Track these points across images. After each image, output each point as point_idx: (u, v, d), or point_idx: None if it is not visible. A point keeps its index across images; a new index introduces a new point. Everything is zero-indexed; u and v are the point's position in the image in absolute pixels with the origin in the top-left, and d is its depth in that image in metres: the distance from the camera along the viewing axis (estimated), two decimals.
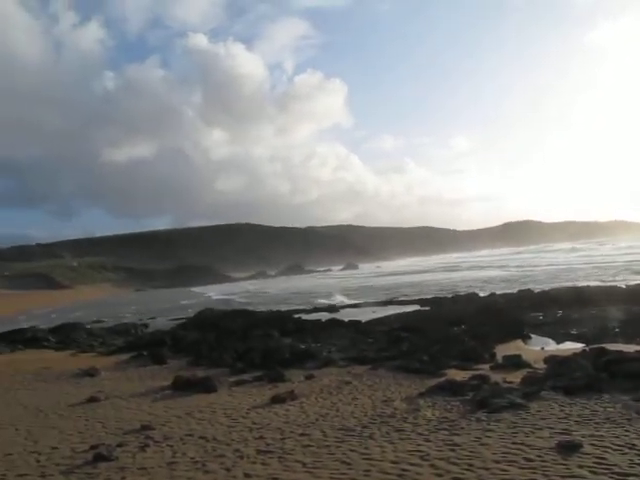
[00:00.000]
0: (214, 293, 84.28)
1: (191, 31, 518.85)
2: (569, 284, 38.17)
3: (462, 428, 8.53)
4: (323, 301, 46.83)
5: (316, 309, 39.37)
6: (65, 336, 31.22)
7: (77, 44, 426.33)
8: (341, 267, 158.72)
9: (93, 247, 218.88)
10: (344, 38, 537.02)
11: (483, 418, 8.98)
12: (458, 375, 12.89)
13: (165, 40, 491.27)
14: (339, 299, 48.14)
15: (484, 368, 14.04)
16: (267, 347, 18.31)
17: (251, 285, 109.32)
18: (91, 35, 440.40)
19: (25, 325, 38.21)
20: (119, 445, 8.79)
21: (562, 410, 9.14)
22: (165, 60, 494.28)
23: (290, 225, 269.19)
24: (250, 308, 38.48)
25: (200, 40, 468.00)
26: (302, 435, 8.81)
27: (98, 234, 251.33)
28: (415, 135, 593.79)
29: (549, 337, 20.12)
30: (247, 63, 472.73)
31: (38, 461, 8.38)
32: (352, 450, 7.83)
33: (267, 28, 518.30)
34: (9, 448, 9.17)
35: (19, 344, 28.84)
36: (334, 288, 66.26)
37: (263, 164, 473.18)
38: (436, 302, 35.23)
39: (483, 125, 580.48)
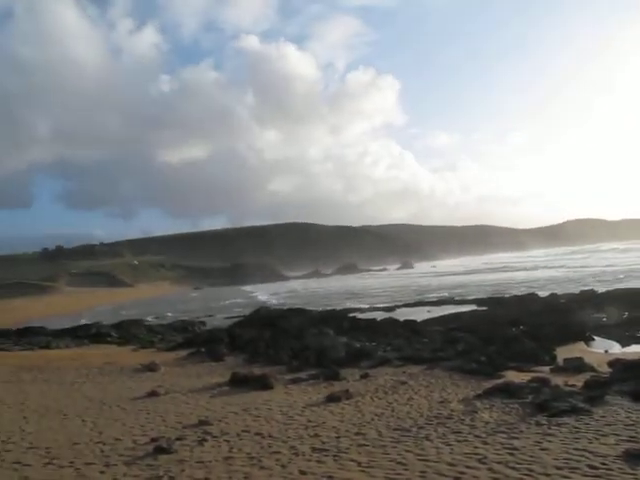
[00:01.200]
0: (267, 292, 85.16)
1: (244, 33, 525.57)
2: (634, 285, 36.64)
3: (521, 432, 8.32)
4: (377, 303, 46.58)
5: (371, 308, 39.29)
6: (126, 332, 32.25)
7: (134, 49, 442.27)
8: (397, 266, 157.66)
9: (152, 246, 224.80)
10: (396, 34, 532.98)
11: (543, 422, 8.72)
12: (516, 377, 12.61)
13: (218, 43, 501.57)
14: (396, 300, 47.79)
15: (544, 370, 13.68)
16: (322, 346, 18.38)
17: (305, 284, 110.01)
18: (147, 40, 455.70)
19: (90, 321, 39.63)
20: (178, 439, 9.01)
21: (629, 416, 8.74)
22: (218, 62, 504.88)
23: (344, 224, 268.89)
24: (305, 307, 38.64)
25: (252, 41, 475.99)
26: (357, 434, 8.79)
27: (156, 234, 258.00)
28: (470, 131, 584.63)
29: (613, 340, 19.40)
30: (299, 63, 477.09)
31: (102, 451, 8.69)
32: (408, 451, 7.77)
33: (319, 27, 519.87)
34: (76, 438, 9.55)
35: (84, 339, 30.03)
36: (398, 288, 65.86)
37: (316, 163, 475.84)
38: (493, 302, 34.56)
39: (541, 120, 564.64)
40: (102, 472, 7.69)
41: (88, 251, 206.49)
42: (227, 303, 64.74)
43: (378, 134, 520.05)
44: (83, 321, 40.29)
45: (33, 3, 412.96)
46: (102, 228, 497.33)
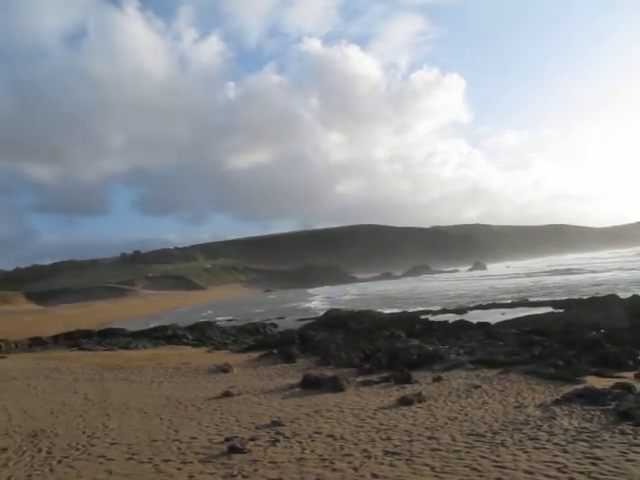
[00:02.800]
0: (336, 294, 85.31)
1: (307, 36, 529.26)
2: None
3: (604, 440, 7.93)
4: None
5: (444, 310, 38.70)
6: (201, 334, 33.17)
7: (199, 58, 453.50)
8: (468, 267, 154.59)
9: (224, 250, 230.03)
10: (461, 32, 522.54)
11: (628, 431, 8.27)
12: (598, 383, 12.03)
13: (281, 47, 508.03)
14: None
15: (628, 376, 13.00)
16: (394, 348, 18.24)
17: (376, 286, 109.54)
18: (212, 48, 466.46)
19: (166, 323, 40.96)
20: (251, 439, 9.15)
21: None
22: (282, 66, 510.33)
23: (413, 225, 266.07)
24: (376, 309, 38.48)
25: (315, 44, 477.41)
26: (430, 438, 8.66)
27: (226, 238, 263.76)
28: (540, 128, 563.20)
29: None
30: (362, 64, 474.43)
31: (179, 449, 8.95)
32: (483, 457, 7.57)
33: (382, 27, 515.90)
34: (155, 435, 9.89)
35: (161, 340, 31.14)
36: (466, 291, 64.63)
37: (383, 165, 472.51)
38: (571, 304, 33.23)
39: (614, 117, 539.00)
40: (179, 469, 7.92)
41: (163, 255, 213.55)
42: (297, 305, 65.40)
43: (445, 133, 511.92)
44: (159, 323, 41.67)
45: (104, 21, 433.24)
46: (175, 233, 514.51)
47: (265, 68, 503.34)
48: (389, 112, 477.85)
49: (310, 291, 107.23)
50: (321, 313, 41.20)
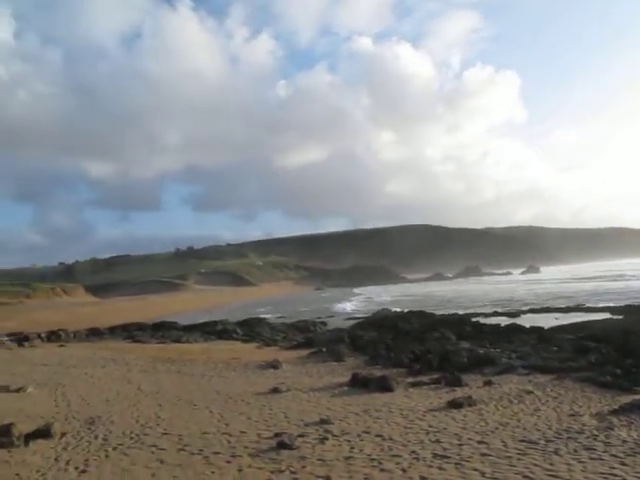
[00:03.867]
0: (386, 294, 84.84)
1: (358, 34, 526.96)
2: None
3: None
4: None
5: (495, 313, 37.98)
6: (251, 330, 33.56)
7: (251, 57, 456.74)
8: (522, 270, 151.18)
9: (275, 247, 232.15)
10: (517, 28, 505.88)
11: None
12: None
13: (333, 46, 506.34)
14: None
15: None
16: (444, 350, 18.02)
17: (426, 287, 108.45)
18: (263, 47, 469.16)
19: (217, 318, 41.66)
20: (300, 435, 9.21)
21: None
22: (333, 65, 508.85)
23: (466, 226, 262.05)
24: (425, 310, 38.07)
25: (366, 42, 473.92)
26: (480, 443, 8.50)
27: (277, 235, 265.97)
28: (597, 128, 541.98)
29: None
30: (414, 62, 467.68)
31: (229, 442, 9.09)
32: (535, 464, 7.38)
33: (435, 24, 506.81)
34: (205, 428, 10.08)
35: (211, 335, 31.69)
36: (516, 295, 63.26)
37: (435, 164, 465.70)
38: (631, 310, 32.01)
39: None
40: (228, 462, 8.05)
41: (215, 252, 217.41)
42: (347, 304, 65.38)
43: (499, 132, 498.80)
44: (210, 318, 42.39)
45: (159, 22, 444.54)
46: (227, 230, 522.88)
47: (316, 67, 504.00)
48: (441, 111, 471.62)
49: (356, 290, 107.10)
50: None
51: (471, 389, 13.18)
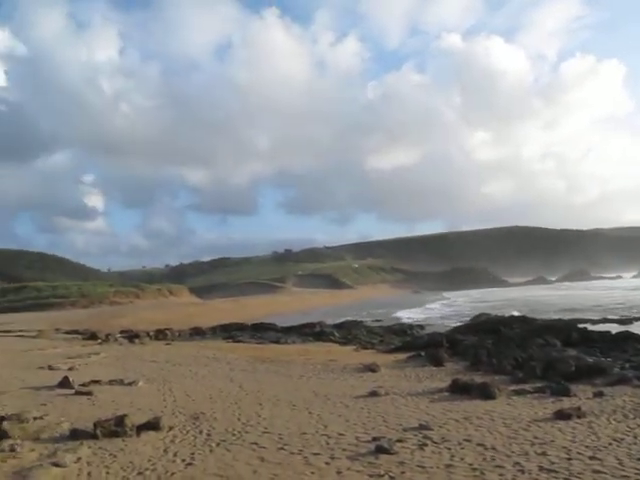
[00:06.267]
0: (484, 298, 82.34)
1: (447, 31, 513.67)
2: None
3: None
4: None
5: (604, 319, 35.88)
6: (348, 332, 33.69)
7: (337, 60, 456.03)
8: (633, 274, 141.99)
9: (370, 250, 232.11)
10: (622, 13, 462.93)
11: None
12: None
13: (421, 44, 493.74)
14: None
15: None
16: (549, 357, 17.21)
17: (528, 291, 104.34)
18: (349, 50, 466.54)
19: (314, 320, 42.16)
20: (398, 440, 9.08)
21: None
22: (421, 64, 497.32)
23: (570, 227, 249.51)
24: (528, 315, 36.58)
25: (455, 40, 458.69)
26: (592, 459, 7.98)
27: (372, 238, 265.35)
28: None
29: None
30: (506, 56, 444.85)
31: (327, 443, 9.12)
32: None
33: (531, 15, 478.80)
34: (304, 428, 10.19)
35: (309, 337, 32.13)
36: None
37: (533, 163, 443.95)
38: None
39: None
40: (327, 463, 8.08)
41: (312, 254, 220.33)
42: (445, 307, 64.16)
43: (602, 126, 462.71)
44: (308, 320, 42.97)
45: (247, 32, 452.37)
46: (321, 232, 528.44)
47: (404, 67, 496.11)
48: (538, 106, 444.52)
49: (455, 293, 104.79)
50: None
51: (579, 400, 12.46)
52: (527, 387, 13.96)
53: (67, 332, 38.88)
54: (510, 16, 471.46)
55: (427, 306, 71.43)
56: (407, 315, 55.48)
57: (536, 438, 9.20)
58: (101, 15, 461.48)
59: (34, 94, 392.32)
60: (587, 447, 8.59)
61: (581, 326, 29.61)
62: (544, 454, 8.27)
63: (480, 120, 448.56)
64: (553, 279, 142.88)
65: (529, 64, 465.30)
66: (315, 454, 8.53)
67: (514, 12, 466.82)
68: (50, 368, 18.60)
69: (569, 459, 7.99)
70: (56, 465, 7.82)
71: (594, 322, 34.23)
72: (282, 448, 8.90)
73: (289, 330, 36.44)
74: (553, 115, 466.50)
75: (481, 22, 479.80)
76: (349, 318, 47.01)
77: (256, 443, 9.20)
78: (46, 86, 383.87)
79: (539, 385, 13.98)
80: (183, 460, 8.34)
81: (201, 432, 10.02)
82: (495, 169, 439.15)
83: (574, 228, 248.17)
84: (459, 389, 13.63)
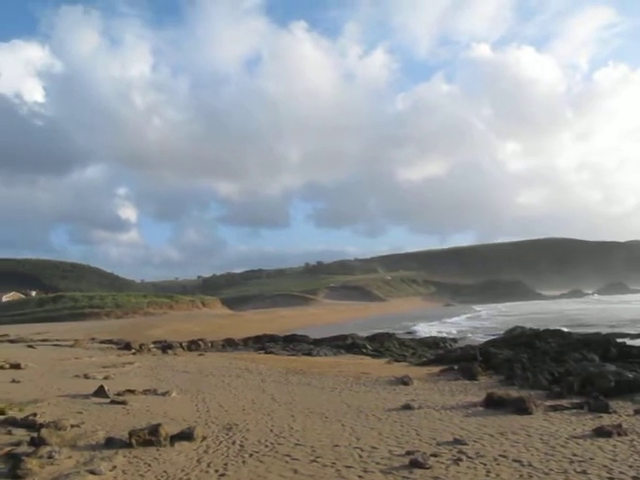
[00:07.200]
0: (519, 311, 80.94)
1: (477, 41, 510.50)
2: None
3: None
4: None
5: None
6: (380, 345, 33.50)
7: (366, 72, 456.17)
8: None
9: (402, 262, 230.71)
10: None
11: None
12: None
13: (450, 55, 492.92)
14: None
15: None
16: (587, 372, 16.78)
17: (563, 304, 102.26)
18: (378, 62, 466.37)
19: (346, 332, 41.98)
20: (433, 455, 8.95)
21: None
22: (451, 75, 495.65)
23: (606, 239, 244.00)
24: (565, 329, 35.83)
25: (484, 49, 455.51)
26: (635, 479, 7.74)
27: (404, 250, 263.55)
28: None
29: None
30: (538, 66, 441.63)
31: (360, 456, 9.04)
32: None
33: (562, 24, 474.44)
34: (337, 440, 10.12)
35: (341, 349, 32.01)
36: None
37: (567, 173, 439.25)
38: None
39: None
40: (360, 477, 8.00)
41: (344, 266, 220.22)
42: (482, 321, 63.29)
43: (638, 136, 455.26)
44: (339, 332, 42.81)
45: (277, 46, 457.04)
46: (353, 245, 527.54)
47: (433, 78, 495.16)
48: (570, 116, 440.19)
49: (489, 306, 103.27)
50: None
51: (620, 417, 12.11)
52: (564, 403, 13.62)
53: (102, 342, 39.50)
54: (541, 26, 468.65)
55: (459, 318, 70.57)
56: (439, 328, 54.89)
57: (575, 455, 8.95)
58: (134, 33, 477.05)
59: (70, 109, 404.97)
60: (630, 467, 8.31)
61: (619, 340, 28.86)
62: (584, 472, 8.04)
63: (511, 130, 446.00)
64: (589, 292, 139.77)
65: (560, 74, 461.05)
66: (348, 467, 8.46)
67: (545, 22, 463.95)
68: (86, 377, 18.93)
69: (611, 478, 7.76)
70: (92, 473, 7.93)
71: (632, 337, 33.34)
72: (315, 460, 8.85)
73: (321, 342, 36.38)
74: (586, 125, 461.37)
75: (511, 32, 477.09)
76: (381, 330, 46.71)
77: (289, 455, 9.18)
78: (81, 101, 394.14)
79: (577, 401, 13.63)
80: (216, 471, 8.36)
81: (234, 443, 10.04)
82: (527, 180, 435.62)
83: (610, 240, 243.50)
84: (494, 403, 13.38)
